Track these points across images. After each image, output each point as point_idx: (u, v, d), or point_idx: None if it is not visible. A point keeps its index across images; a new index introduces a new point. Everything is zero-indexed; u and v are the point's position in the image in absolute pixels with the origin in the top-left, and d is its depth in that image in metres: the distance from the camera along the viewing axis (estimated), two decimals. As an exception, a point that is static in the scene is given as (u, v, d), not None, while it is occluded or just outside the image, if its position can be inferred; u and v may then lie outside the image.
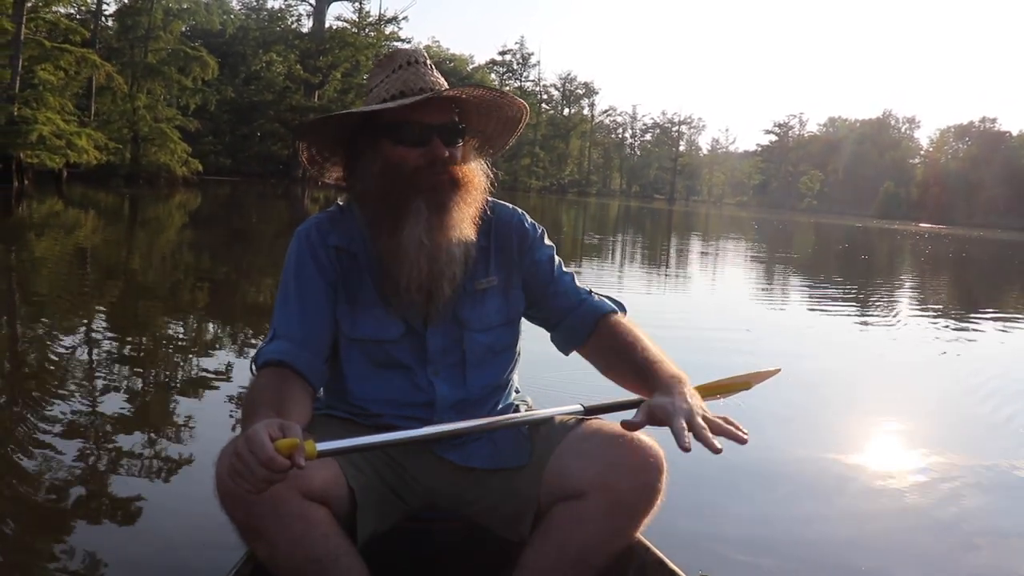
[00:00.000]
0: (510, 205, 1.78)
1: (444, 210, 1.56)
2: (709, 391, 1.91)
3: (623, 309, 1.75)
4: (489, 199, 1.69)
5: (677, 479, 1.54)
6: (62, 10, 22.17)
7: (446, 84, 1.64)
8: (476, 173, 1.64)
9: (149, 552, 2.19)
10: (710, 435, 1.34)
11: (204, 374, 4.13)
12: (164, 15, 30.61)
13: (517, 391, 1.84)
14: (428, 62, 1.65)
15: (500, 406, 1.75)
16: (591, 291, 1.76)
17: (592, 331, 1.69)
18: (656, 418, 1.38)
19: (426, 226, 1.55)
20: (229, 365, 4.32)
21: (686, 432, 1.33)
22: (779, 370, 2.11)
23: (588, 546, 1.47)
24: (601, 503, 1.43)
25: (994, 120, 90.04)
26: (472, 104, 1.65)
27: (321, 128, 1.66)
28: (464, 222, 1.59)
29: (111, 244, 10.82)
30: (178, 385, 3.95)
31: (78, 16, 24.09)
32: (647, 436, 1.47)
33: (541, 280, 1.73)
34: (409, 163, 1.57)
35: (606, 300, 1.75)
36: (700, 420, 1.35)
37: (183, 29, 32.34)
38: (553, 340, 1.77)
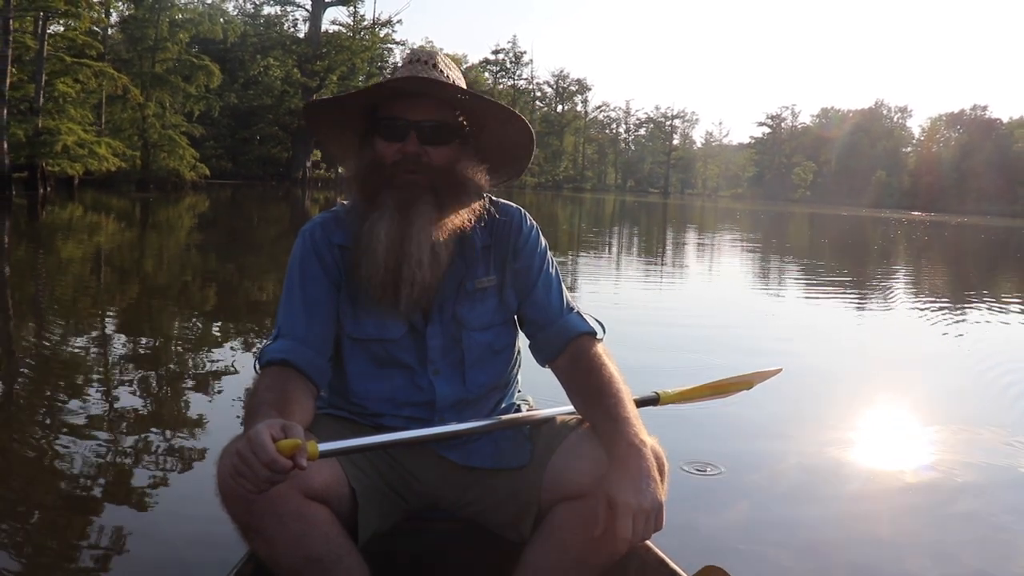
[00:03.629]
0: (513, 204, 1.74)
1: (411, 209, 1.53)
2: (711, 391, 1.99)
3: (601, 330, 1.70)
4: (493, 199, 1.70)
5: (678, 479, 1.64)
6: (73, 23, 23.16)
7: (453, 83, 1.59)
8: (466, 176, 1.59)
9: (150, 551, 2.18)
10: (646, 535, 1.37)
11: (211, 373, 4.19)
12: (170, 26, 31.36)
13: (519, 391, 1.84)
14: (432, 62, 1.62)
15: (502, 406, 1.74)
16: (573, 307, 1.72)
17: (562, 352, 1.66)
18: (610, 509, 1.37)
19: (389, 223, 1.53)
20: (236, 363, 4.36)
21: (629, 530, 1.34)
22: (780, 370, 2.17)
23: (589, 546, 1.46)
24: (602, 503, 1.38)
25: (985, 107, 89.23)
26: (478, 110, 1.63)
27: (325, 121, 1.71)
28: (437, 226, 1.55)
29: (131, 246, 11.35)
30: (185, 383, 3.99)
31: (80, 31, 24.98)
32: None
33: (523, 287, 1.70)
34: (386, 158, 1.56)
35: (585, 320, 1.69)
36: (644, 523, 1.35)
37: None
38: (530, 350, 1.75)
